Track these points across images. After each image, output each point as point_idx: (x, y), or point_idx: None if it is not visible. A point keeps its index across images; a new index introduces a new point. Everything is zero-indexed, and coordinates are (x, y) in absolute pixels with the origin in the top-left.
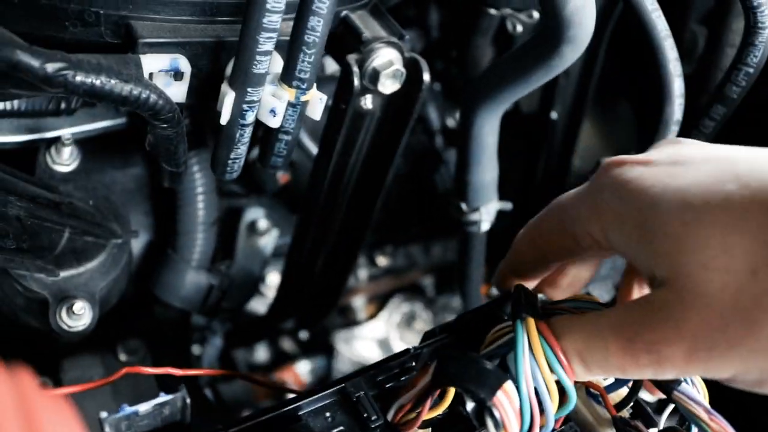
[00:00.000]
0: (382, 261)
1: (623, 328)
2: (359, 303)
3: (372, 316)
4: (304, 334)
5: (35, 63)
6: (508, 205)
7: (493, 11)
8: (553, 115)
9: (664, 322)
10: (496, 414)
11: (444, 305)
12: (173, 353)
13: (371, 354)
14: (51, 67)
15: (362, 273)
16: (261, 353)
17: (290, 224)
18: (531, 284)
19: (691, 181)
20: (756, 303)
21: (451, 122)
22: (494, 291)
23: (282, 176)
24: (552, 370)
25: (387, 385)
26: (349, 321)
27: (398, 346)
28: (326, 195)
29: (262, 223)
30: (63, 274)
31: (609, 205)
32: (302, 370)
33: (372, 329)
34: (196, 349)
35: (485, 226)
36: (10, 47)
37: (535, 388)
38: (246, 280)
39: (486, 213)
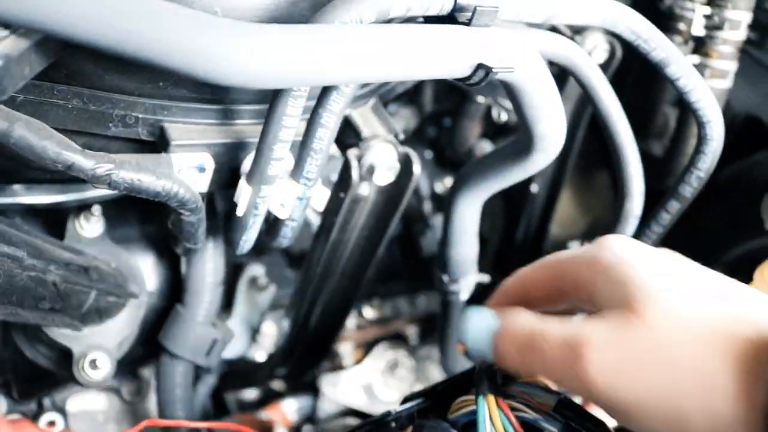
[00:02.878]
0: (369, 313)
1: None
2: (346, 349)
3: (358, 362)
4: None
5: (87, 165)
6: (485, 278)
7: (480, 99)
8: (534, 188)
9: None
10: None
11: (426, 355)
12: (179, 400)
13: (355, 397)
14: (100, 169)
15: (350, 322)
16: (250, 392)
17: (288, 280)
18: None
19: (676, 273)
20: (681, 355)
21: (439, 188)
22: None
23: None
24: None
25: None
26: (336, 365)
27: (381, 391)
28: (323, 264)
29: (262, 280)
30: (86, 329)
31: (607, 257)
32: (289, 409)
33: (357, 374)
34: None
35: (464, 296)
36: (66, 152)
37: None
38: (244, 331)
39: (465, 284)
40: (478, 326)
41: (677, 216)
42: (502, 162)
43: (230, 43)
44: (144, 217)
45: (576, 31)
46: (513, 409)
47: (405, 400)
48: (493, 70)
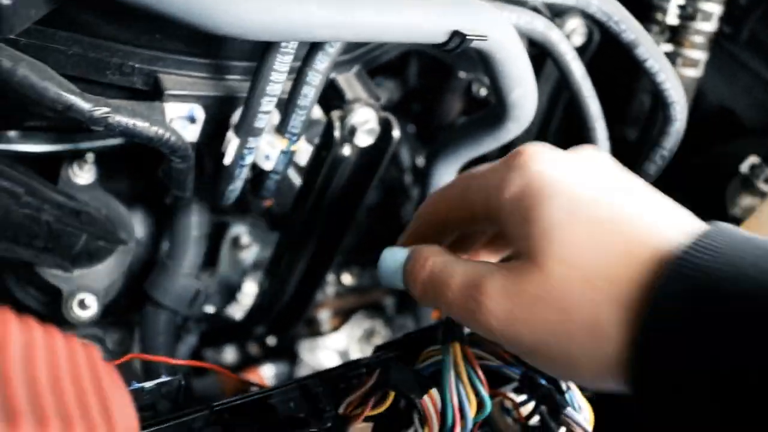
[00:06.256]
0: (347, 279)
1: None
2: (325, 316)
3: (335, 329)
4: (271, 340)
5: (85, 107)
6: None
7: (462, 74)
8: None
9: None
10: (422, 412)
11: (401, 325)
12: (161, 347)
13: (331, 363)
14: (99, 111)
15: (330, 289)
16: (229, 355)
17: (270, 241)
18: None
19: (582, 201)
20: (573, 302)
21: (420, 161)
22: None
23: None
24: (472, 384)
25: (341, 386)
26: (314, 332)
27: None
28: (304, 223)
29: (245, 239)
30: (76, 271)
31: (514, 183)
32: (266, 373)
33: (334, 341)
34: None
35: None
36: (66, 93)
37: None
38: (226, 288)
39: None
40: (390, 263)
41: None
42: (477, 130)
43: None
44: (135, 172)
45: (556, 14)
46: (477, 357)
47: (376, 350)
48: (467, 37)
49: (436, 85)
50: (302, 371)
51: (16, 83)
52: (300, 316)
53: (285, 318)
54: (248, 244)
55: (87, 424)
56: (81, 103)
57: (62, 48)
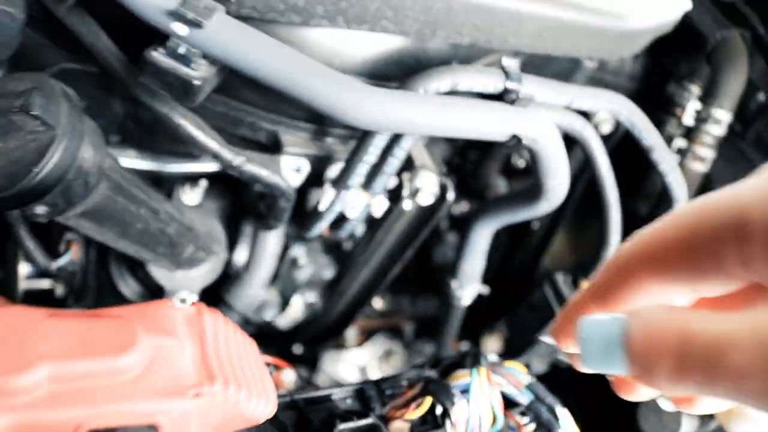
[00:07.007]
0: (378, 304)
1: None
2: (351, 333)
3: (358, 345)
4: (298, 349)
5: (228, 156)
6: (485, 290)
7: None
8: (535, 225)
9: None
10: (453, 419)
11: (419, 350)
12: None
13: (350, 376)
14: (237, 160)
15: None
16: None
17: (321, 262)
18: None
19: None
20: None
21: (456, 210)
22: (462, 347)
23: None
24: (490, 403)
25: (387, 392)
26: (339, 345)
27: (374, 374)
28: (363, 259)
29: (302, 260)
30: (178, 274)
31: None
32: (287, 378)
33: (355, 356)
34: None
35: (466, 302)
36: (215, 143)
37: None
38: (281, 301)
39: (469, 291)
40: (602, 333)
41: None
42: (515, 203)
43: (358, 99)
44: (220, 195)
45: None
46: (496, 383)
47: (413, 368)
48: (523, 141)
49: (480, 149)
50: (321, 379)
51: (180, 133)
52: (337, 334)
53: (323, 333)
54: (305, 264)
55: (257, 392)
56: (225, 153)
57: (210, 106)
